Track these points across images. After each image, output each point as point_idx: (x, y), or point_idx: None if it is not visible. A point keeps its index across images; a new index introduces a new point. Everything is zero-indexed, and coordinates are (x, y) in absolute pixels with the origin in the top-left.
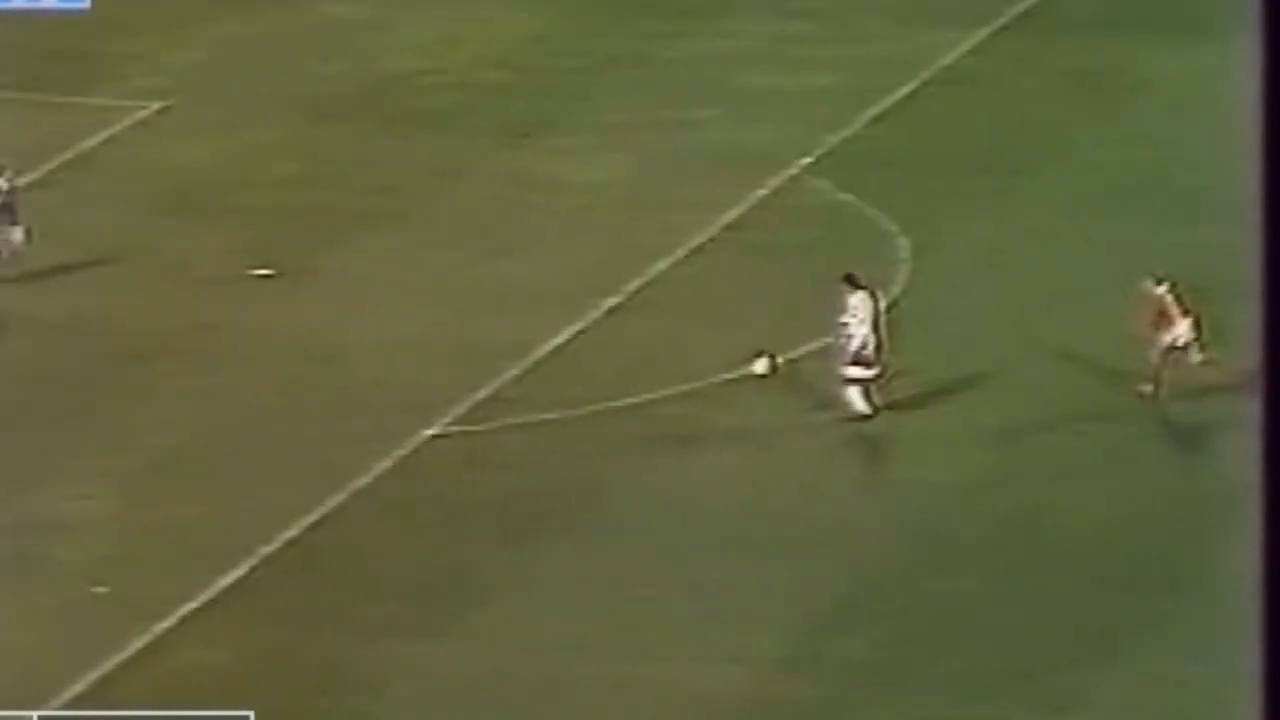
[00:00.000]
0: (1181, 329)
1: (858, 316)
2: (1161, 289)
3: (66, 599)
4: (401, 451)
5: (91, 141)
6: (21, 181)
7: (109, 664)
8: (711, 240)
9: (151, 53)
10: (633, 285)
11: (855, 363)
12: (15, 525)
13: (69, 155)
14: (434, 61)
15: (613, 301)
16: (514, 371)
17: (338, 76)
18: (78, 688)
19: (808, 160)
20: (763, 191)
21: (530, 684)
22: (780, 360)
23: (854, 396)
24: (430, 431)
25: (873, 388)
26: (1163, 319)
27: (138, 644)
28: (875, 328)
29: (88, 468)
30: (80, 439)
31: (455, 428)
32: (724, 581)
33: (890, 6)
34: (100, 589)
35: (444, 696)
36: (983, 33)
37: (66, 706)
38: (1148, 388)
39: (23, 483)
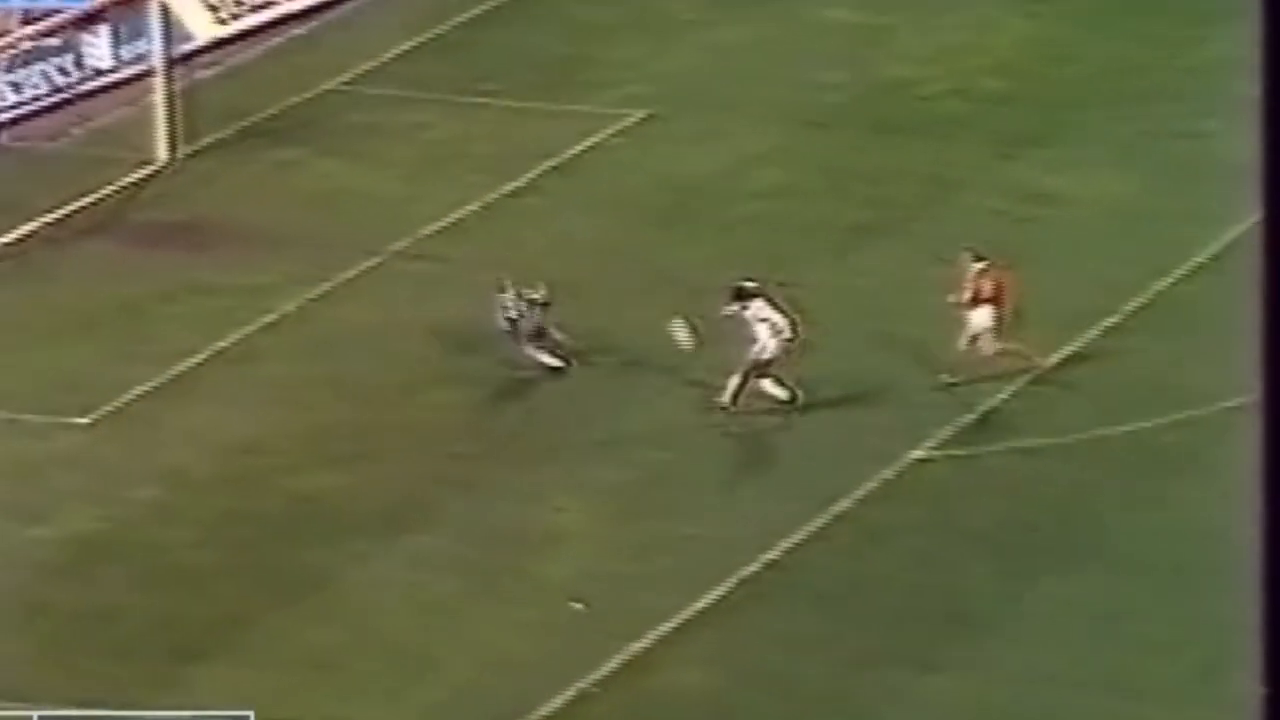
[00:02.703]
0: (980, 315)
1: (767, 321)
2: (979, 266)
3: (544, 614)
4: (886, 474)
5: (576, 149)
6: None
7: (585, 682)
8: (1215, 258)
9: (643, 59)
10: (1132, 305)
11: (763, 372)
12: (498, 537)
13: (552, 162)
14: (931, 69)
15: (1111, 321)
16: (1005, 394)
17: (832, 84)
18: (555, 703)
19: None
20: None
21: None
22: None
23: (770, 387)
24: (916, 454)
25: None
26: (971, 297)
27: (614, 662)
28: (793, 330)
29: (571, 480)
30: (566, 451)
31: (942, 451)
32: (1231, 620)
33: None
34: (578, 604)
35: None
36: None
37: None
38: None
39: (507, 495)
